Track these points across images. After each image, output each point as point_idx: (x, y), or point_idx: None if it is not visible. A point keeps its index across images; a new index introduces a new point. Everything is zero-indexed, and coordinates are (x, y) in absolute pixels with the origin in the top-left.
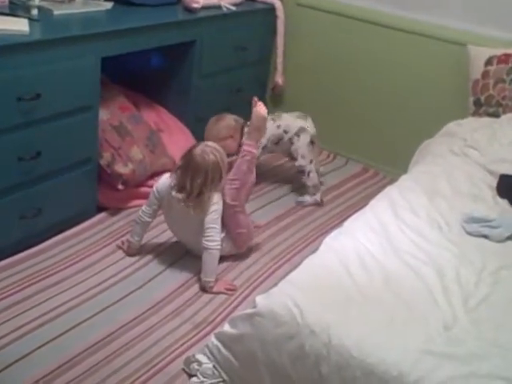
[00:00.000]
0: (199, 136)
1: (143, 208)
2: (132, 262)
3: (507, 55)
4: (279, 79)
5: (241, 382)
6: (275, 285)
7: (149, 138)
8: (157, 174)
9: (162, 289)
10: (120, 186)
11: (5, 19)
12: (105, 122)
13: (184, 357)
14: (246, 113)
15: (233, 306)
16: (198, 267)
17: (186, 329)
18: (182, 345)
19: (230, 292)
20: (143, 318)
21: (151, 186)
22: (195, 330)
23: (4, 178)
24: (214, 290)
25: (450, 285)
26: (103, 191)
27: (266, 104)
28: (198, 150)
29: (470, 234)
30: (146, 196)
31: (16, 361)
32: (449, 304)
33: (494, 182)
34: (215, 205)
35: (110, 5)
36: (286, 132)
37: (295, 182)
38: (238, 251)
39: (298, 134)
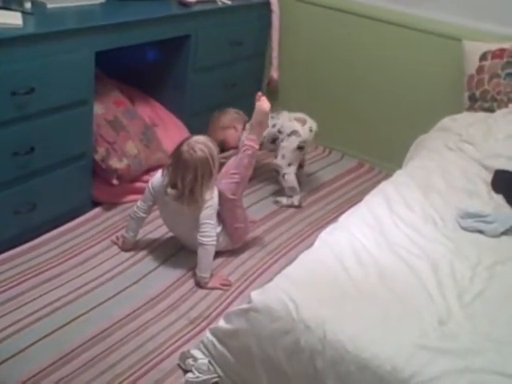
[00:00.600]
0: (194, 130)
1: (138, 203)
2: (127, 257)
3: (502, 50)
4: (274, 74)
5: (236, 378)
6: (270, 280)
7: (144, 133)
8: (152, 169)
9: (157, 284)
10: (115, 181)
11: None
12: (99, 117)
13: (179, 352)
14: (240, 107)
15: (228, 301)
16: (193, 262)
17: (181, 324)
18: (177, 340)
19: (225, 287)
20: (138, 314)
21: (146, 181)
22: (190, 326)
23: None
24: (209, 285)
25: (445, 280)
26: (98, 186)
27: None
28: (185, 147)
29: (464, 229)
30: (141, 191)
31: (12, 356)
32: (443, 299)
33: (489, 178)
34: (210, 200)
35: None
36: (280, 132)
37: None
38: (233, 246)
39: (289, 135)
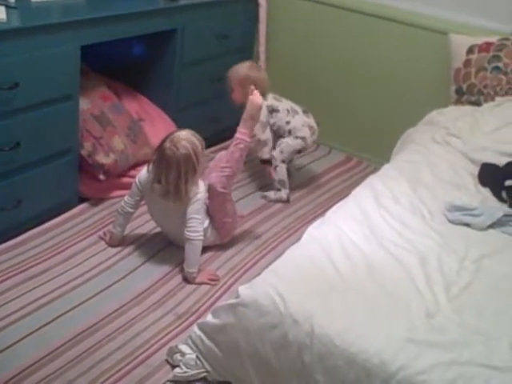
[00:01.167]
0: (182, 125)
1: (125, 199)
2: (114, 252)
3: (488, 44)
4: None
5: (224, 372)
6: (258, 275)
7: (130, 128)
8: (139, 164)
9: (144, 279)
10: (101, 177)
11: None
12: (85, 112)
13: (167, 347)
14: (228, 101)
15: (216, 296)
16: (180, 257)
17: (169, 319)
18: (164, 335)
19: (212, 282)
20: (126, 309)
21: (133, 177)
22: (178, 321)
23: None
24: (197, 280)
25: (433, 273)
26: (85, 181)
27: None
28: (167, 144)
29: (452, 222)
30: (128, 186)
31: None
32: (431, 292)
33: (476, 171)
34: (197, 195)
35: None
36: (290, 133)
37: None
38: (221, 241)
39: (296, 137)
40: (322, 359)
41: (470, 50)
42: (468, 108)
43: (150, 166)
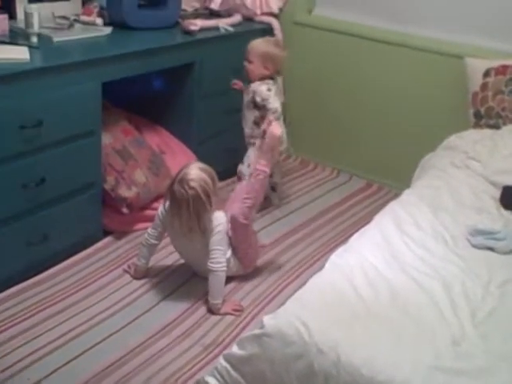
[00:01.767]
0: (201, 157)
1: (149, 231)
2: (139, 285)
3: (505, 66)
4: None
5: None
6: (282, 304)
7: (152, 161)
8: (161, 196)
9: (169, 311)
10: (125, 210)
11: (5, 48)
12: (108, 147)
13: (194, 380)
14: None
15: (241, 326)
16: (205, 289)
17: (195, 351)
18: (191, 368)
19: (237, 313)
20: (152, 342)
21: (156, 209)
22: (204, 352)
23: (9, 205)
24: (222, 311)
25: (457, 299)
26: (108, 215)
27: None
28: (176, 186)
29: (475, 246)
30: (151, 219)
31: None
32: (456, 318)
33: (498, 194)
34: (219, 226)
35: (108, 30)
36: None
37: (299, 200)
38: (245, 271)
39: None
40: None
41: (487, 74)
42: (487, 131)
43: (166, 203)
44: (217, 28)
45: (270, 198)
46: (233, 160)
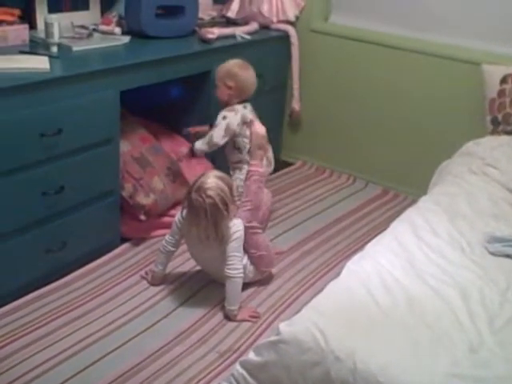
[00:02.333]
0: (218, 164)
1: (166, 238)
2: (156, 291)
3: None
4: (296, 105)
5: None
6: (299, 311)
7: (169, 168)
8: (178, 203)
9: (186, 318)
10: (142, 217)
11: (26, 58)
12: (126, 154)
13: None
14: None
15: (257, 333)
16: (221, 295)
17: (212, 357)
18: (207, 374)
19: (253, 319)
20: (169, 348)
21: (173, 216)
22: (220, 359)
23: (29, 212)
24: (238, 318)
25: (475, 306)
26: (126, 222)
27: (283, 131)
28: (193, 195)
29: (492, 253)
30: (168, 226)
31: None
32: (474, 325)
33: None
34: (236, 233)
35: (127, 39)
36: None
37: (315, 207)
38: (261, 276)
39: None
40: None
41: (504, 80)
42: (504, 138)
43: (184, 211)
44: (233, 36)
45: None
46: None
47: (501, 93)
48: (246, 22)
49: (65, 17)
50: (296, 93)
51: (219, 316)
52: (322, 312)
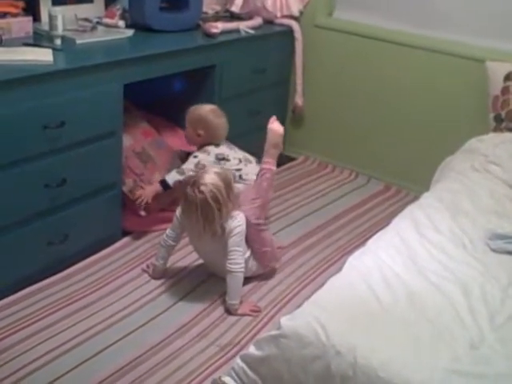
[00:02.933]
0: None
1: (167, 232)
2: (157, 285)
3: None
4: (299, 100)
5: None
6: (300, 305)
7: (171, 163)
8: (180, 197)
9: (187, 311)
10: (142, 213)
11: (30, 50)
12: (128, 149)
13: (210, 379)
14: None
15: (258, 327)
16: (222, 289)
17: (212, 351)
18: (208, 367)
19: (254, 314)
20: (169, 341)
21: (174, 210)
22: (221, 353)
23: (31, 204)
24: (239, 312)
25: (476, 302)
26: (127, 216)
27: (286, 126)
28: (188, 188)
29: (494, 250)
30: (169, 220)
31: None
32: (475, 322)
33: None
34: (237, 227)
35: (130, 32)
36: (240, 177)
37: (317, 202)
38: (263, 270)
39: (246, 184)
40: None
41: (508, 77)
42: (507, 135)
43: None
44: (237, 30)
45: None
46: None
47: (504, 90)
48: (249, 17)
49: (69, 9)
50: (299, 88)
51: (220, 310)
52: (323, 307)
